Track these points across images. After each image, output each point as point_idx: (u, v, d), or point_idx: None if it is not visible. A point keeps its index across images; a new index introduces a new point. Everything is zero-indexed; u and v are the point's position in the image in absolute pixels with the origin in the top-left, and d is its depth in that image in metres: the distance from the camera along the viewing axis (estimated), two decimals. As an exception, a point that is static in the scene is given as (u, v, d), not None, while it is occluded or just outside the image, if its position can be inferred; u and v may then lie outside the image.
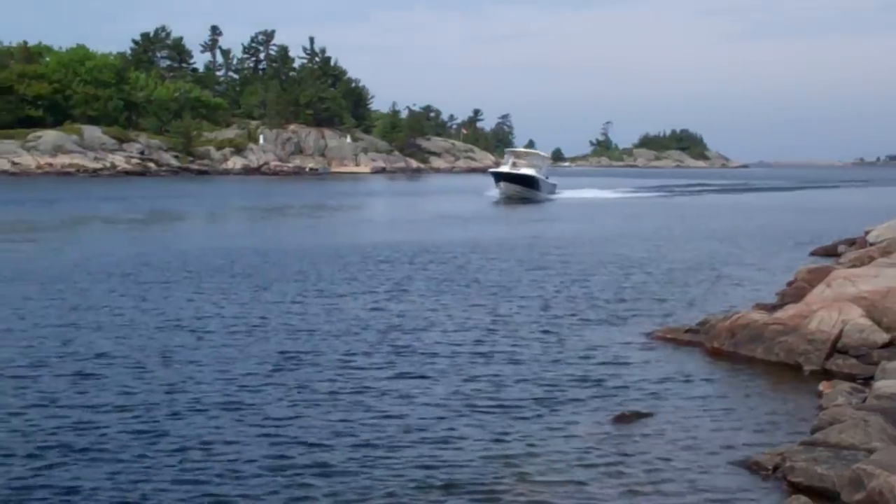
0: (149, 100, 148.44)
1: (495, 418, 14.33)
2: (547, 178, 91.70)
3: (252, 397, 15.34)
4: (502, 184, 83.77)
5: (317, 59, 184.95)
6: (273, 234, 46.44)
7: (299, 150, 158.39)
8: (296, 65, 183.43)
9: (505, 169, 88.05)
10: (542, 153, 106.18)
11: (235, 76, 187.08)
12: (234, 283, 28.38)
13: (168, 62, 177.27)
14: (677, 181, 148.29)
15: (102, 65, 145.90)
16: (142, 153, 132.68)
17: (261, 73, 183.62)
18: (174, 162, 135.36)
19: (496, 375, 17.00)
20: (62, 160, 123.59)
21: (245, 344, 19.39)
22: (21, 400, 15.05)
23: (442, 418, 14.28)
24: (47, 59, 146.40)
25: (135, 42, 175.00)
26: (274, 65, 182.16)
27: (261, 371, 17.08)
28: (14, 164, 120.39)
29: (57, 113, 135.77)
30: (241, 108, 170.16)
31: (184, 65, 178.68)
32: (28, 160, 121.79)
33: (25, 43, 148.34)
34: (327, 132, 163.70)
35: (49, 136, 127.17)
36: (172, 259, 34.04)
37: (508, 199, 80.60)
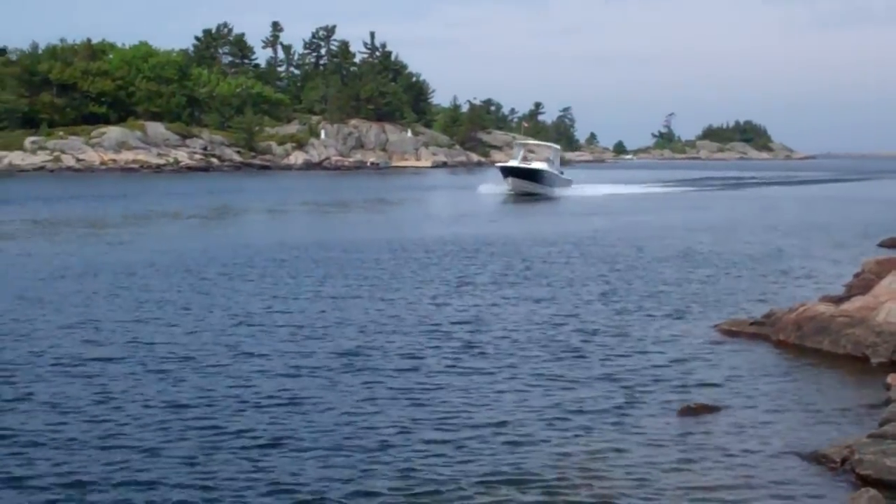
0: (211, 96, 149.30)
1: (562, 413, 14.29)
2: (561, 172, 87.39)
3: (319, 392, 15.37)
4: (510, 179, 78.03)
5: (377, 53, 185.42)
6: (336, 229, 46.59)
7: (360, 145, 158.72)
8: (356, 60, 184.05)
9: (514, 163, 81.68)
10: (554, 145, 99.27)
11: (297, 72, 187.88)
12: (298, 278, 28.47)
13: (230, 58, 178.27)
14: (701, 174, 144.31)
15: (165, 61, 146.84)
16: (204, 149, 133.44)
17: (322, 68, 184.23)
18: (236, 157, 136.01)
19: (562, 369, 16.95)
20: (126, 156, 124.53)
21: (310, 339, 19.45)
22: (88, 394, 15.18)
23: (509, 413, 14.24)
24: (111, 56, 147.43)
25: (197, 38, 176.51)
26: (335, 60, 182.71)
27: (327, 366, 17.08)
28: (79, 160, 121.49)
29: (120, 109, 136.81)
30: (303, 103, 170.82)
31: (246, 61, 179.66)
32: (92, 156, 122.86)
33: (89, 40, 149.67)
34: (388, 127, 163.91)
35: (113, 132, 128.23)
36: (236, 254, 34.22)
37: (517, 196, 75.30)
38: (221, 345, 18.77)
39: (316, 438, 13.06)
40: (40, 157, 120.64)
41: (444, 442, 12.94)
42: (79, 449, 12.61)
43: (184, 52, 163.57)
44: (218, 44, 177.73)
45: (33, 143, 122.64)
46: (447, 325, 20.89)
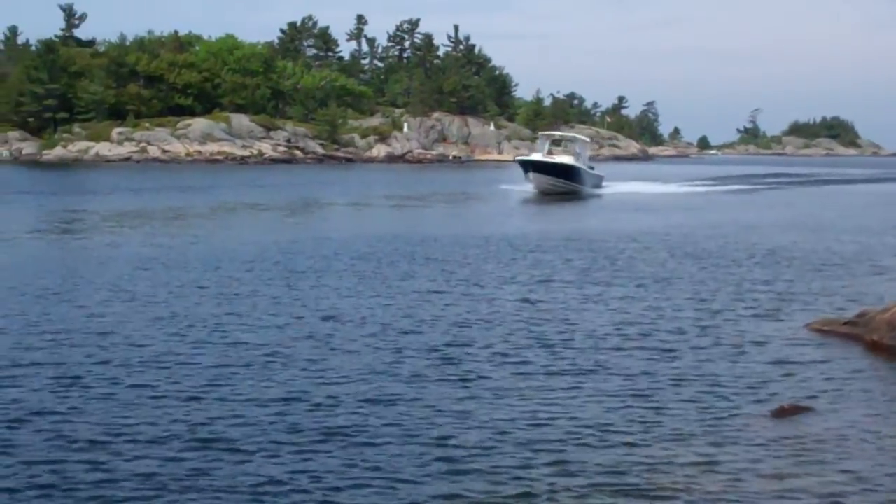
0: (295, 88, 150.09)
1: (655, 414, 14.07)
2: (591, 168, 78.14)
3: (410, 390, 15.24)
4: (532, 174, 68.86)
5: (461, 47, 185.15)
6: (419, 223, 46.49)
7: (443, 138, 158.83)
8: (440, 53, 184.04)
9: (537, 157, 71.72)
10: (583, 137, 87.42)
11: (380, 64, 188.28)
12: (384, 272, 28.38)
13: (314, 51, 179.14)
14: (752, 169, 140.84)
15: (250, 54, 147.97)
16: (288, 141, 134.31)
17: (405, 61, 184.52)
18: (319, 150, 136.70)
19: (654, 369, 16.72)
20: (211, 148, 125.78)
21: (400, 335, 19.31)
22: (175, 388, 15.17)
23: (600, 415, 14.02)
24: (197, 48, 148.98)
25: (282, 31, 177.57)
26: (418, 53, 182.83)
27: (417, 363, 16.92)
28: (164, 151, 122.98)
29: (206, 101, 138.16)
30: (386, 96, 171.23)
31: (330, 53, 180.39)
32: (178, 148, 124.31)
33: (176, 33, 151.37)
34: (471, 120, 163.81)
35: (198, 124, 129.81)
36: (322, 247, 34.24)
37: (542, 194, 67.78)
38: (311, 339, 18.65)
39: (408, 437, 12.91)
40: (127, 148, 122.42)
41: (535, 443, 12.74)
42: (167, 444, 12.58)
43: (269, 44, 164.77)
44: (302, 36, 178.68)
45: (120, 134, 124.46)
46: (532, 322, 20.64)
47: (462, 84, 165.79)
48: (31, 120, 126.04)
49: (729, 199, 70.66)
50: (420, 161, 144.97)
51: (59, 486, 11.12)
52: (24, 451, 12.19)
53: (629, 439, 12.87)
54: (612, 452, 12.38)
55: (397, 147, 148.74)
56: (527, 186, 70.05)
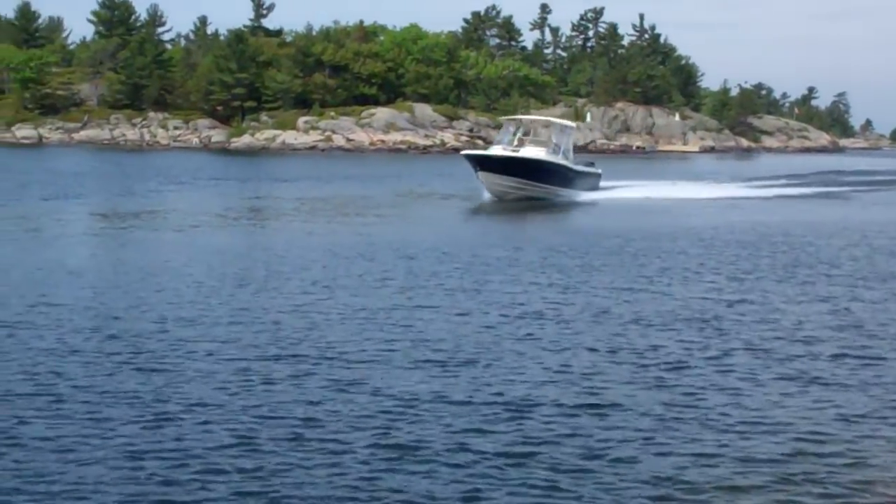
0: (478, 78, 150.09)
1: (855, 416, 13.21)
2: (592, 164, 62.04)
3: (616, 389, 14.43)
4: (482, 174, 50.68)
5: (646, 36, 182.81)
6: (606, 216, 45.22)
7: (626, 129, 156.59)
8: (624, 42, 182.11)
9: (496, 150, 52.90)
10: (563, 122, 61.63)
11: (563, 54, 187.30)
12: (575, 266, 27.36)
13: (497, 40, 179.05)
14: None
15: (434, 43, 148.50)
16: (470, 130, 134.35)
17: (589, 50, 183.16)
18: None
19: (848, 371, 15.73)
20: (394, 137, 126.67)
21: (592, 332, 18.52)
22: (366, 385, 14.51)
23: (800, 416, 13.20)
24: (382, 38, 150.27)
25: (465, 21, 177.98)
26: (602, 42, 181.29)
27: (617, 362, 16.05)
28: (349, 140, 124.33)
29: (390, 91, 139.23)
30: (569, 86, 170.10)
31: (513, 43, 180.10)
32: (362, 137, 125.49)
33: (361, 22, 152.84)
34: (655, 110, 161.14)
35: (382, 113, 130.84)
36: (513, 238, 33.41)
37: (498, 199, 50.78)
38: (505, 337, 17.85)
39: (616, 441, 12.14)
40: (312, 137, 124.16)
41: (725, 447, 12.07)
42: (350, 441, 11.98)
43: (452, 34, 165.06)
44: (486, 26, 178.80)
45: (306, 122, 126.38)
46: (717, 321, 19.64)
47: (647, 74, 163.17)
48: (220, 108, 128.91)
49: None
50: (602, 152, 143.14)
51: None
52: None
53: (828, 442, 11.83)
54: (809, 457, 11.47)
55: (580, 137, 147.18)
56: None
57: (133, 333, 17.58)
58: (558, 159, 53.07)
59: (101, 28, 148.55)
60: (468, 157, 52.80)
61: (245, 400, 13.80)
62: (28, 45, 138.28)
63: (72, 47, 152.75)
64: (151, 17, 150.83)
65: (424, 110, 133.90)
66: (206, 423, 12.81)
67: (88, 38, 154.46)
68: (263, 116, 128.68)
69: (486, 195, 51.11)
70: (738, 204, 52.99)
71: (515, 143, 53.72)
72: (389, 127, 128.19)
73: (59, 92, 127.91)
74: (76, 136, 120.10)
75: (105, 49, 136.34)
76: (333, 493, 10.61)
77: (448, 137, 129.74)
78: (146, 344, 16.88)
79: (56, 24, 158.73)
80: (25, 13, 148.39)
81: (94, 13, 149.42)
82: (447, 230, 35.83)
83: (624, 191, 59.65)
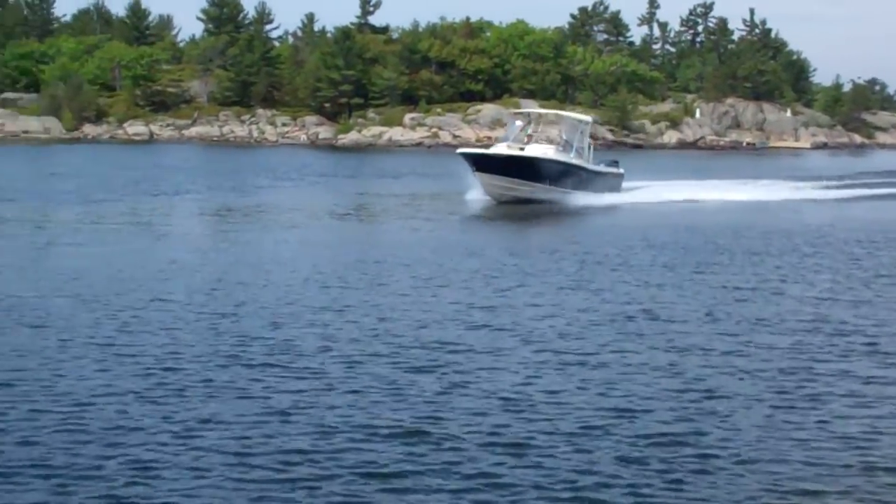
0: (585, 73, 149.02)
1: None
2: (614, 163, 56.61)
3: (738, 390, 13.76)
4: (478, 175, 46.16)
5: (756, 30, 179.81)
6: (716, 214, 44.15)
7: (736, 125, 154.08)
8: (734, 37, 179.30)
9: (500, 148, 48.56)
10: (578, 116, 58.36)
11: (672, 49, 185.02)
12: (690, 265, 26.61)
13: (605, 36, 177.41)
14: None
15: (541, 39, 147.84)
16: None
17: (698, 45, 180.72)
18: (609, 136, 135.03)
19: None
20: (500, 133, 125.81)
21: (694, 332, 18.16)
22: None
23: None
24: (488, 34, 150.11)
25: (572, 16, 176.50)
26: (712, 37, 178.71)
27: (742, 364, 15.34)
28: (455, 136, 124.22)
29: (496, 87, 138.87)
30: (677, 81, 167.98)
31: (620, 38, 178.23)
32: (468, 133, 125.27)
33: (468, 19, 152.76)
34: (766, 106, 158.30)
35: (488, 109, 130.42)
36: (629, 237, 32.67)
37: (497, 202, 46.50)
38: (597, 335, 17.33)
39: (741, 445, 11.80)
40: (419, 134, 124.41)
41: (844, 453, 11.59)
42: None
43: (559, 29, 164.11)
44: (593, 21, 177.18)
45: (412, 119, 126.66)
46: (829, 325, 19.15)
47: (757, 69, 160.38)
48: (327, 105, 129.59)
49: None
50: (712, 148, 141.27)
51: None
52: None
53: None
54: None
55: (689, 133, 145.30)
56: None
57: (243, 329, 17.50)
58: (568, 157, 48.51)
59: (210, 26, 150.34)
60: (464, 155, 47.52)
61: (357, 396, 13.51)
62: (139, 43, 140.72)
63: (181, 45, 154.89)
64: (259, 14, 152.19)
65: (531, 106, 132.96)
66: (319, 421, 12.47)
67: (197, 35, 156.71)
68: (370, 113, 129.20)
69: (474, 198, 46.40)
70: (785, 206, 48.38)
71: (525, 139, 49.56)
72: (496, 123, 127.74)
73: (170, 89, 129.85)
74: (186, 132, 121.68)
75: (214, 46, 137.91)
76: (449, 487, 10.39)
77: (554, 133, 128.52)
78: (257, 340, 16.72)
79: (166, 22, 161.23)
80: (136, 11, 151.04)
81: (204, 11, 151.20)
82: (557, 228, 35.27)
83: (654, 192, 53.33)
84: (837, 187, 60.50)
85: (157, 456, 11.60)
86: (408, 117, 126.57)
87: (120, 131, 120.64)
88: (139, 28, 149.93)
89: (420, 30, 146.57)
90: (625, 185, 55.37)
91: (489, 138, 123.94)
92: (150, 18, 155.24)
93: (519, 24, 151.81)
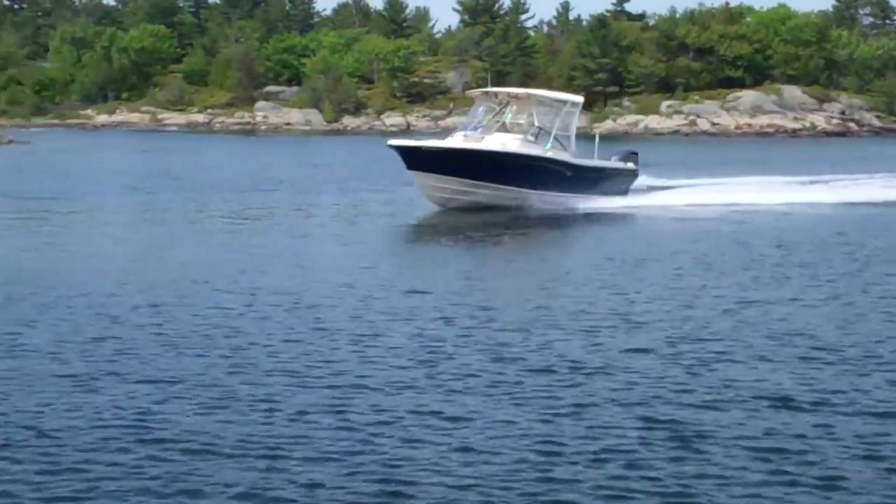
0: (850, 58, 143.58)
1: None
2: (633, 155, 44.83)
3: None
4: (413, 174, 36.89)
5: None
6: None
7: None
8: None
9: (457, 140, 38.45)
10: (556, 96, 43.88)
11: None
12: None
13: (871, 19, 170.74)
14: None
15: (804, 23, 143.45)
16: (842, 113, 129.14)
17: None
18: (876, 122, 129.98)
19: None
20: (760, 120, 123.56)
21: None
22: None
23: None
24: (748, 19, 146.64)
25: (837, 0, 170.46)
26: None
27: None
28: (713, 124, 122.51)
29: (756, 73, 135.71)
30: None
31: (888, 21, 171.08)
32: (727, 120, 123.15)
33: (727, 4, 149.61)
34: None
35: (748, 96, 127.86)
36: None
37: (443, 208, 37.43)
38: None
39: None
40: (675, 121, 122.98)
41: None
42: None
43: (823, 13, 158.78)
44: (858, 4, 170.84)
45: (669, 107, 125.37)
46: None
47: None
48: (582, 94, 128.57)
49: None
50: None
51: None
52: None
53: None
54: None
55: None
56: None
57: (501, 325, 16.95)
58: (540, 150, 37.82)
59: (465, 17, 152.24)
60: (395, 149, 37.05)
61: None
62: (396, 36, 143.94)
63: (437, 36, 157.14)
64: (515, 4, 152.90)
65: (793, 92, 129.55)
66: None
67: (453, 27, 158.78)
68: (625, 101, 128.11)
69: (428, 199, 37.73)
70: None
71: (496, 126, 38.58)
72: (756, 110, 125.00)
73: (426, 80, 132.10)
74: (442, 123, 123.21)
75: (469, 37, 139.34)
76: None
77: (819, 120, 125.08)
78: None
79: (422, 15, 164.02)
80: (394, 5, 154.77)
81: (459, 2, 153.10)
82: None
83: (690, 193, 42.72)
84: None
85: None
86: (664, 105, 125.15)
87: (378, 122, 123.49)
88: (396, 21, 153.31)
89: (677, 16, 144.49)
90: (669, 182, 46.67)
91: (749, 125, 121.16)
92: (407, 11, 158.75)
93: (781, 9, 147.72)
